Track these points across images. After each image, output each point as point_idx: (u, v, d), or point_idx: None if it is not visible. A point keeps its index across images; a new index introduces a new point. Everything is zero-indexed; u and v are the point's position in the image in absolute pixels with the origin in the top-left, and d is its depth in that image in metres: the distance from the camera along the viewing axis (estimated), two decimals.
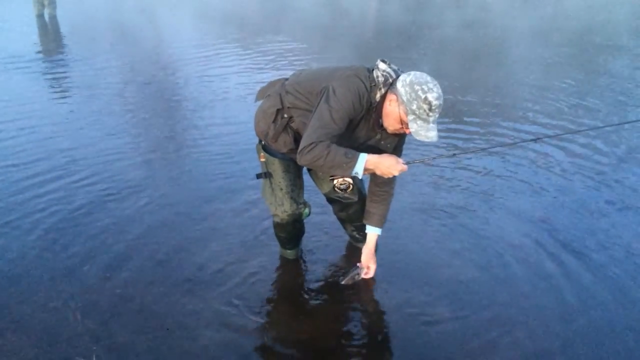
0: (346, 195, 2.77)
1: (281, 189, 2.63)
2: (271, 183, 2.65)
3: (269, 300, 2.71)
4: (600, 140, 4.97)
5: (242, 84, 6.77)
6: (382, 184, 2.59)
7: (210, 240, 3.19)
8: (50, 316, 2.51)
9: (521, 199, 3.79)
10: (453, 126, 5.29)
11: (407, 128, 2.19)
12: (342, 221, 3.03)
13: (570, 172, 4.28)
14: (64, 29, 10.81)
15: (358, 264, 2.74)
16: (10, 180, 3.89)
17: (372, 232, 2.69)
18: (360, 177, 2.30)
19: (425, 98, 2.10)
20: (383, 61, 2.27)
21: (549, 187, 4.00)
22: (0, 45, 8.73)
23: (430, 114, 2.12)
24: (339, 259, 3.07)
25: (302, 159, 2.20)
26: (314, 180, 2.88)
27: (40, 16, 11.41)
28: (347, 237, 3.16)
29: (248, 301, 2.66)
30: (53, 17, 11.38)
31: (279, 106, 2.44)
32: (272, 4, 15.21)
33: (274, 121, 2.46)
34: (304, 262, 3.03)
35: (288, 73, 2.65)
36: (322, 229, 3.30)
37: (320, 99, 2.22)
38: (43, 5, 11.42)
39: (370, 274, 2.74)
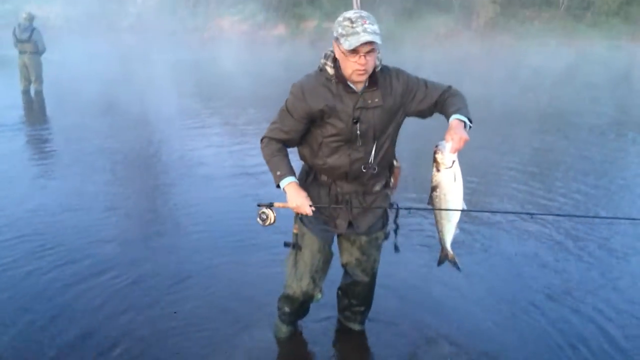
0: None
1: (306, 265, 2.66)
2: (296, 255, 2.68)
3: None
4: None
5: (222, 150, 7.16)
6: (435, 93, 2.47)
7: (193, 324, 3.22)
8: None
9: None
10: None
11: (351, 53, 2.24)
12: (343, 292, 3.01)
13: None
14: (49, 103, 11.07)
15: (438, 143, 2.34)
16: None
17: (452, 118, 2.35)
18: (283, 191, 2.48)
19: (344, 18, 2.25)
20: None
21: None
22: None
23: (354, 25, 2.20)
24: (332, 341, 3.14)
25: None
26: (338, 244, 2.85)
27: (26, 92, 11.62)
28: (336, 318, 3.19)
29: None
30: (39, 93, 11.60)
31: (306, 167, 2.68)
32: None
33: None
34: (299, 344, 3.08)
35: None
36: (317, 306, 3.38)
37: None
38: (29, 81, 11.65)
39: (463, 137, 2.26)
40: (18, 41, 11.23)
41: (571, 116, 11.28)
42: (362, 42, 2.19)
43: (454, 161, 2.32)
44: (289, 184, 2.49)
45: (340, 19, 2.29)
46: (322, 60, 2.42)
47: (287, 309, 2.89)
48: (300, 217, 2.65)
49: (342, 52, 2.28)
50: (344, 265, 2.88)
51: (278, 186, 2.53)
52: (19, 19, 11.43)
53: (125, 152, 7.29)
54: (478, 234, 4.71)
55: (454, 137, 2.26)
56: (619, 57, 24.48)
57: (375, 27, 2.24)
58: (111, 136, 8.16)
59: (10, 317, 3.24)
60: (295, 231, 2.70)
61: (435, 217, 2.51)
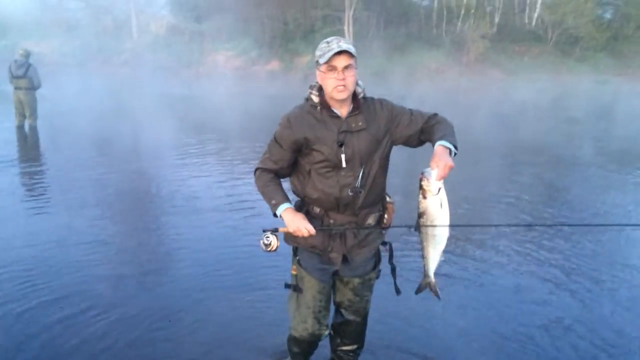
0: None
1: (308, 308, 2.64)
2: (298, 297, 2.66)
3: None
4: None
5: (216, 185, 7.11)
6: (421, 120, 2.50)
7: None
8: None
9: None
10: None
11: (329, 70, 2.35)
12: (335, 331, 2.93)
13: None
14: (42, 138, 11.10)
15: (423, 171, 2.32)
16: None
17: (437, 144, 2.33)
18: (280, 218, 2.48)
19: (322, 42, 2.41)
20: None
21: None
22: None
23: (330, 44, 2.35)
24: None
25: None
26: (333, 285, 2.77)
27: (20, 127, 11.65)
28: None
29: None
30: (33, 128, 11.63)
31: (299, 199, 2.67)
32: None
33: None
34: None
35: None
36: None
37: None
38: (24, 117, 11.69)
39: (448, 164, 2.23)
40: (13, 77, 11.31)
41: (557, 149, 11.42)
42: (335, 51, 2.31)
43: (440, 188, 2.31)
44: (285, 210, 2.50)
45: (319, 45, 2.43)
46: (309, 91, 2.52)
47: (296, 350, 2.86)
48: (298, 260, 2.65)
49: (322, 72, 2.40)
50: (336, 304, 2.84)
51: (275, 215, 2.54)
52: (15, 55, 11.56)
53: (116, 186, 7.29)
54: (472, 267, 4.70)
55: (439, 164, 2.24)
56: (606, 91, 24.97)
57: (350, 46, 2.34)
58: (102, 170, 8.16)
59: None
60: (294, 272, 2.68)
61: (422, 244, 2.49)
